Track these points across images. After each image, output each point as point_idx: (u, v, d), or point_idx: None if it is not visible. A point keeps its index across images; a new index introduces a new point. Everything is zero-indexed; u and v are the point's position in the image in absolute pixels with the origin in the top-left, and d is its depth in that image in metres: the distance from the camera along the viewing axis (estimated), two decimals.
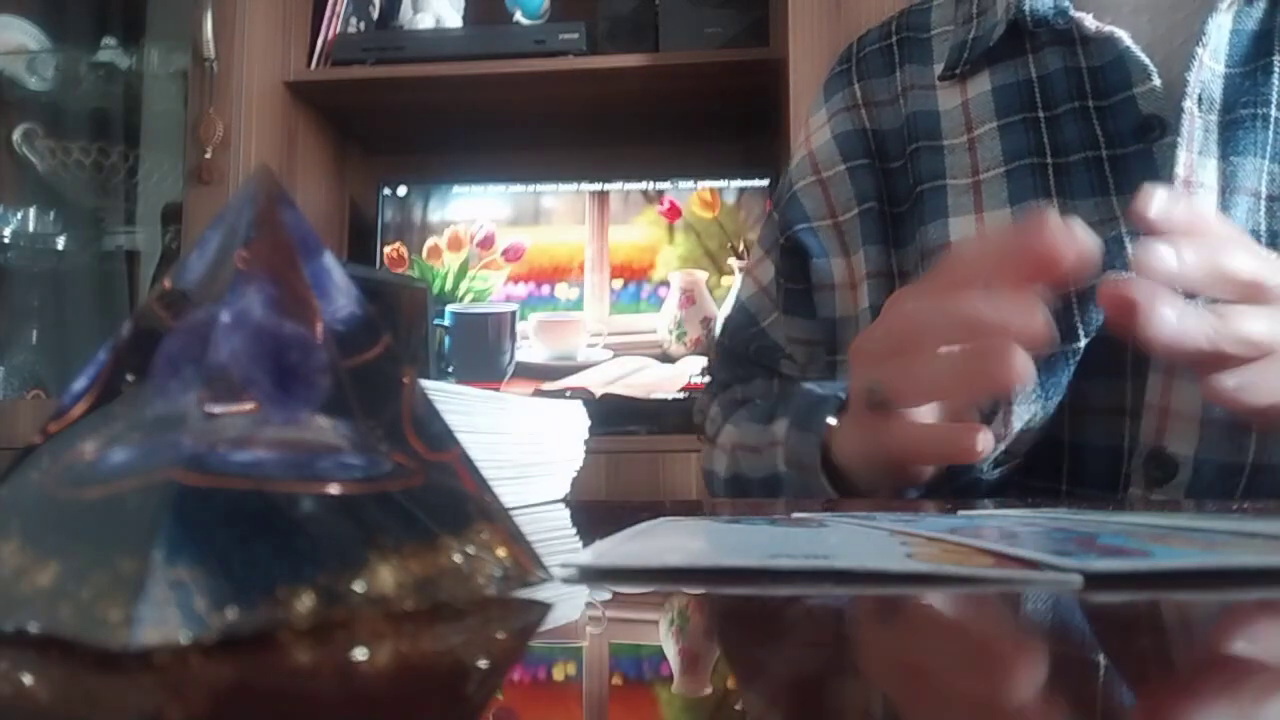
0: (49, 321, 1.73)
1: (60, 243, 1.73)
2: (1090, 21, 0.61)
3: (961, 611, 0.19)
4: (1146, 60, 0.59)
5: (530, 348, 1.58)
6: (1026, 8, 0.63)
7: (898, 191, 0.67)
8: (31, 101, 1.71)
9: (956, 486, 0.61)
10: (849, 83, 0.72)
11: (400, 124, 1.70)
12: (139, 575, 0.14)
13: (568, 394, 1.51)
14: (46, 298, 1.74)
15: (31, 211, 1.72)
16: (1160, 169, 0.57)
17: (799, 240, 0.70)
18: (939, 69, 0.68)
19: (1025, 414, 0.58)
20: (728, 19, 1.53)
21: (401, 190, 1.65)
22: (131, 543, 0.15)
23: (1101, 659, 0.16)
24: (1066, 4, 0.62)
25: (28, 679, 0.14)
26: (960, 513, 0.35)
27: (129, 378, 0.19)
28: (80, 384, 0.19)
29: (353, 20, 1.62)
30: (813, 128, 0.73)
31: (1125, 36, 0.60)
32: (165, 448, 0.16)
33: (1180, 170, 0.56)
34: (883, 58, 0.72)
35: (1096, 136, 0.60)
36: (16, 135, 1.70)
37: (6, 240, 1.70)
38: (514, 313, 1.59)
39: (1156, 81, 0.58)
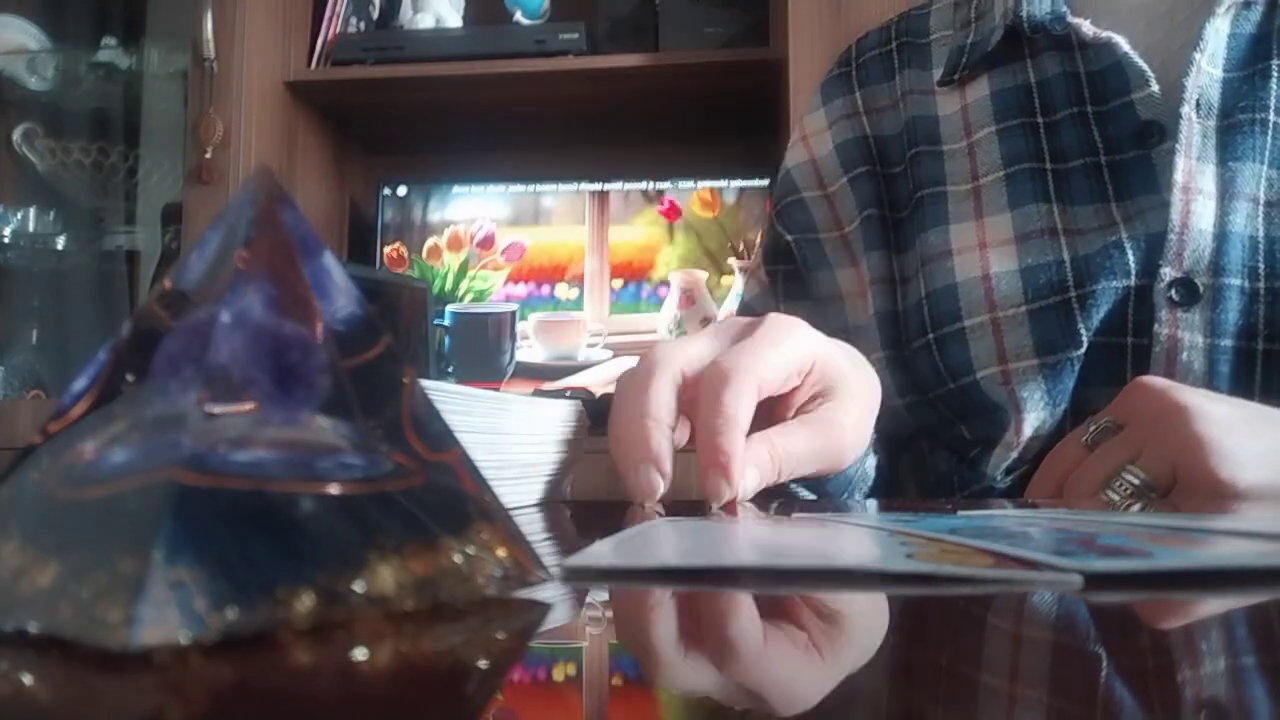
0: (49, 321, 1.73)
1: (60, 243, 1.73)
2: (1088, 27, 0.61)
3: (961, 612, 0.19)
4: (1144, 66, 0.59)
5: (530, 348, 1.58)
6: (1024, 13, 0.62)
7: (898, 197, 0.67)
8: (31, 101, 1.71)
9: (969, 494, 0.61)
10: (849, 89, 0.72)
11: (400, 124, 1.70)
12: (139, 575, 0.14)
13: (568, 394, 1.51)
14: (46, 298, 1.73)
15: (31, 211, 1.72)
16: (1159, 175, 0.57)
17: (801, 251, 0.70)
18: (938, 74, 0.68)
19: (1034, 421, 0.58)
20: (728, 19, 1.53)
21: (401, 190, 1.65)
22: (131, 543, 0.15)
23: (1101, 659, 0.16)
24: (1064, 10, 0.62)
25: (28, 679, 0.14)
26: (960, 513, 0.35)
27: (129, 378, 0.19)
28: (80, 384, 0.19)
29: (353, 20, 1.62)
30: (811, 130, 0.73)
31: (1123, 42, 0.59)
32: (165, 448, 0.16)
33: (1179, 176, 0.56)
34: (882, 63, 0.72)
35: (1095, 142, 0.60)
36: (16, 135, 1.70)
37: (6, 240, 1.70)
38: (514, 313, 1.59)
39: (1154, 87, 0.58)
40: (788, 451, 0.46)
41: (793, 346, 0.46)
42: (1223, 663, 0.15)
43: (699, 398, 0.44)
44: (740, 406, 0.43)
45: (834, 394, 0.48)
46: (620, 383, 0.49)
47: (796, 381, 0.47)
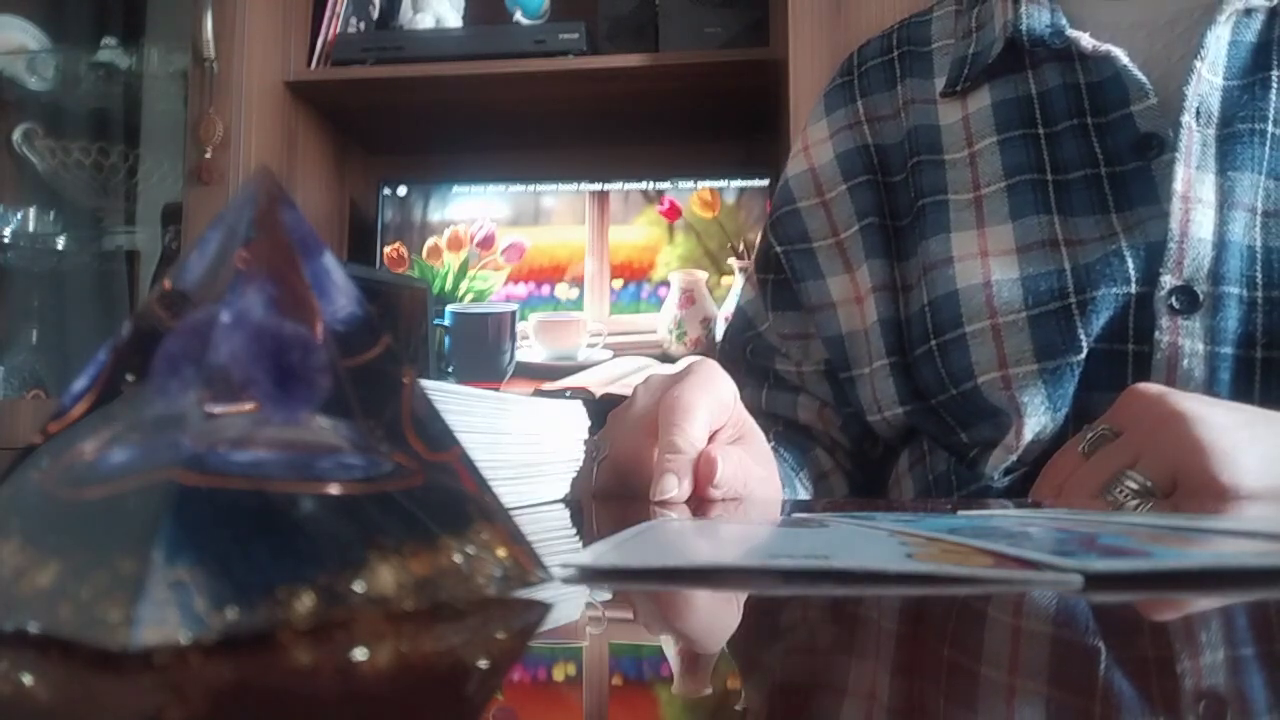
0: (49, 321, 1.72)
1: (60, 243, 1.73)
2: (1087, 40, 0.61)
3: (961, 612, 0.19)
4: (1143, 78, 0.59)
5: (530, 348, 1.58)
6: (1023, 27, 0.63)
7: (899, 205, 0.67)
8: (31, 101, 1.71)
9: (966, 494, 0.61)
10: (851, 99, 0.72)
11: (400, 124, 1.70)
12: (139, 575, 0.14)
13: (568, 394, 1.51)
14: (46, 298, 1.73)
15: (31, 211, 1.71)
16: (1158, 186, 0.57)
17: (790, 262, 0.71)
18: (940, 83, 0.68)
19: (1035, 425, 0.58)
20: (728, 19, 1.53)
21: (401, 190, 1.65)
22: (131, 543, 0.15)
23: (1102, 659, 0.16)
24: (1063, 23, 0.62)
25: (28, 679, 0.14)
26: (960, 513, 0.35)
27: (129, 378, 0.19)
28: (80, 384, 0.19)
29: (353, 20, 1.61)
30: (812, 139, 0.73)
31: (1122, 55, 0.60)
32: (165, 448, 0.16)
33: (1178, 185, 0.56)
34: (884, 72, 0.72)
35: (1095, 154, 0.60)
36: (16, 135, 1.69)
37: (6, 240, 1.70)
38: (514, 313, 1.59)
39: (1153, 99, 0.58)
40: (749, 468, 0.49)
41: (722, 388, 0.51)
42: (1223, 662, 0.15)
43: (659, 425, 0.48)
44: (696, 425, 0.47)
45: (752, 438, 0.53)
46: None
47: (724, 420, 0.51)
